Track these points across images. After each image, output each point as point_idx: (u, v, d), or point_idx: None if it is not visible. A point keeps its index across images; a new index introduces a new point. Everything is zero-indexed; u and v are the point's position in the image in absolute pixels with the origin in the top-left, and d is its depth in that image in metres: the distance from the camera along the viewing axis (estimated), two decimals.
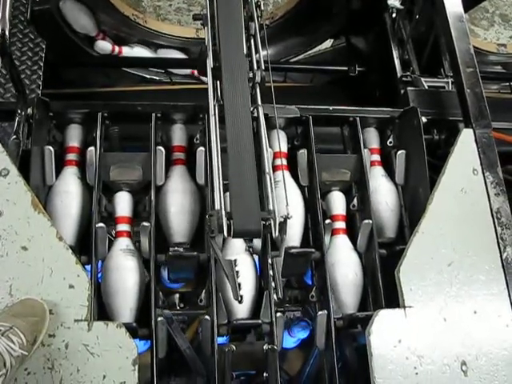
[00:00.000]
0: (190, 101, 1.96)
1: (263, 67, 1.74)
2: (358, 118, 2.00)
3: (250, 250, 1.80)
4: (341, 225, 1.89)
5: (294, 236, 1.80)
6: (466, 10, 2.16)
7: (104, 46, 2.83)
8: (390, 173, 2.02)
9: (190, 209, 1.81)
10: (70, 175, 1.83)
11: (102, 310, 1.66)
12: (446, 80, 2.34)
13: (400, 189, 2.01)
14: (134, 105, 1.93)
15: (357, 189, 1.97)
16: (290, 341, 1.89)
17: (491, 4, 4.61)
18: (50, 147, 1.82)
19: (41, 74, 2.12)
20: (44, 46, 2.19)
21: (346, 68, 2.81)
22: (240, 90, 1.64)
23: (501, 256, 1.73)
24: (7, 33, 1.63)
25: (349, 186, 1.98)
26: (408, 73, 2.37)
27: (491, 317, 1.66)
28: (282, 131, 1.98)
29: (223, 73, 1.66)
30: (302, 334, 1.87)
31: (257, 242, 1.77)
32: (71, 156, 1.87)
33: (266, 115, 1.73)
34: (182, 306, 1.86)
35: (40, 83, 2.09)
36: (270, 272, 1.61)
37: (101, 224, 1.71)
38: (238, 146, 1.53)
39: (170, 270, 1.77)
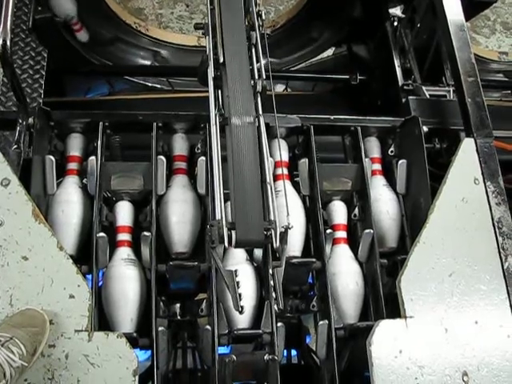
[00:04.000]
0: (191, 109, 1.96)
1: (264, 76, 1.74)
2: (359, 128, 1.99)
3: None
4: (342, 234, 1.89)
5: (294, 246, 1.80)
6: (467, 19, 2.16)
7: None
8: (391, 182, 2.02)
9: (191, 218, 1.81)
10: (71, 184, 1.83)
11: (102, 319, 1.66)
12: (447, 89, 2.34)
13: (401, 198, 2.01)
14: (136, 114, 1.93)
15: (358, 198, 1.97)
16: None
17: (493, 12, 4.62)
18: (51, 156, 1.83)
19: (42, 82, 2.11)
20: (46, 55, 2.19)
21: (347, 76, 2.81)
22: (242, 99, 1.65)
23: (502, 266, 1.73)
24: (8, 43, 1.63)
25: (350, 195, 1.97)
26: (409, 81, 2.37)
27: (492, 327, 1.66)
28: (283, 140, 1.98)
29: (225, 82, 1.67)
30: None
31: (257, 252, 1.77)
32: (72, 165, 1.87)
33: (267, 124, 1.73)
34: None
35: (41, 92, 2.09)
36: (271, 282, 1.61)
37: (102, 233, 1.71)
38: (241, 156, 1.54)
39: (170, 280, 1.76)
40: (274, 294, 1.59)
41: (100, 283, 1.71)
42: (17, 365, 1.31)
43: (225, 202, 1.47)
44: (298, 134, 2.02)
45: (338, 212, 1.93)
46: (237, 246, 1.42)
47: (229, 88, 1.62)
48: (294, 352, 2.32)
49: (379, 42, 2.61)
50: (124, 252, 1.75)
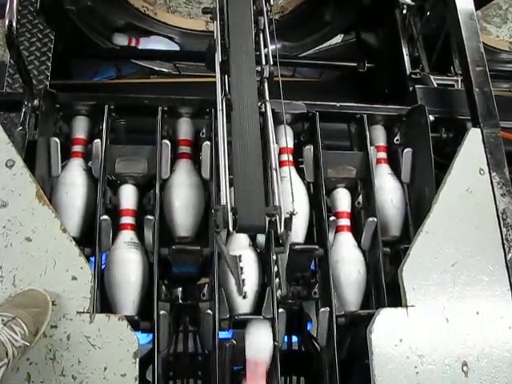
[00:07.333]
0: (198, 94, 1.95)
1: (272, 62, 1.73)
2: (365, 115, 1.98)
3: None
4: (345, 222, 1.89)
5: (297, 232, 1.79)
6: (477, 8, 2.14)
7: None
8: (396, 171, 2.01)
9: (195, 203, 1.81)
10: (76, 167, 1.83)
11: (104, 301, 1.67)
12: (455, 78, 2.32)
13: (406, 187, 2.00)
14: (141, 98, 1.93)
15: (362, 186, 1.96)
16: None
17: (505, 1, 4.55)
18: (56, 139, 1.83)
19: (49, 64, 2.11)
20: (53, 37, 2.19)
21: (355, 64, 2.80)
22: (248, 84, 1.64)
23: (505, 257, 1.72)
24: (14, 24, 1.63)
25: (354, 183, 1.97)
26: (418, 70, 2.35)
27: (494, 318, 1.65)
28: (289, 127, 1.97)
29: (231, 67, 1.66)
30: None
31: (260, 238, 1.77)
32: (77, 148, 1.87)
33: (272, 110, 1.73)
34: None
35: (48, 74, 2.08)
36: (274, 268, 1.61)
37: (105, 216, 1.71)
38: (244, 141, 1.53)
39: (173, 264, 1.77)
40: (276, 280, 1.59)
41: (103, 266, 1.72)
42: (19, 344, 1.32)
43: (230, 186, 1.47)
44: (304, 121, 2.01)
45: (342, 200, 1.93)
46: (238, 231, 1.42)
47: (233, 73, 1.61)
48: (294, 338, 2.32)
49: (388, 30, 2.59)
50: (127, 235, 1.75)
